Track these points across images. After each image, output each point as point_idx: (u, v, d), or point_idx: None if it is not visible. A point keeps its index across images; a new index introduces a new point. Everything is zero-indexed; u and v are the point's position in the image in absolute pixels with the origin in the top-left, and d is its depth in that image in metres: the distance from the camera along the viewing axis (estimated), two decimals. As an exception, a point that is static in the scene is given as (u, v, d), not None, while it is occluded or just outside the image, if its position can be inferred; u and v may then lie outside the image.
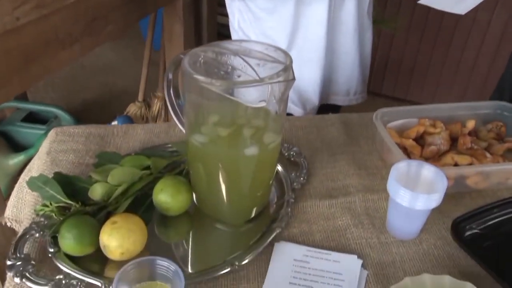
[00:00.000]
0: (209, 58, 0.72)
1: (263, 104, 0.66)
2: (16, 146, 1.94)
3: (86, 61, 2.82)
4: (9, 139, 1.95)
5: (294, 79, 0.66)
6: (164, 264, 0.61)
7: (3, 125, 1.97)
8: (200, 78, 0.64)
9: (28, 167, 0.98)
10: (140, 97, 2.20)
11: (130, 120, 2.08)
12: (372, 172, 0.91)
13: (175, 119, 0.79)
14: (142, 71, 2.15)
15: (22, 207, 0.91)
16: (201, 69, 0.70)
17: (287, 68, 0.67)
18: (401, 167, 0.75)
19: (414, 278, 0.66)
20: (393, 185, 0.73)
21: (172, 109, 0.79)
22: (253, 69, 0.65)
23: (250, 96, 0.66)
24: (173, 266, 0.61)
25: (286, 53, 0.71)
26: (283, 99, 0.69)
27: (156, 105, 2.14)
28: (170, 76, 0.76)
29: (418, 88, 2.54)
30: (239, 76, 0.69)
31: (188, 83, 0.68)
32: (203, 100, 0.69)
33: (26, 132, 1.95)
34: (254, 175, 0.75)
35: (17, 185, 0.95)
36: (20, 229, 0.92)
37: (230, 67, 0.70)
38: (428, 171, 0.75)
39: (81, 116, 2.15)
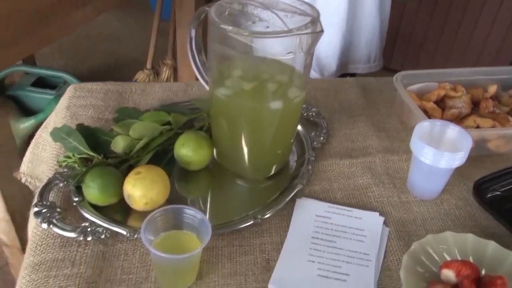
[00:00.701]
0: (236, 10, 0.70)
1: (290, 56, 0.65)
2: (26, 111, 1.93)
3: (91, 30, 2.79)
4: (19, 103, 1.95)
5: (322, 31, 0.65)
6: (190, 213, 0.61)
7: (13, 89, 1.96)
8: (228, 27, 0.64)
9: (44, 123, 0.98)
10: (149, 65, 2.18)
11: (139, 87, 2.07)
12: (391, 134, 0.91)
13: (197, 74, 0.78)
14: (150, 39, 2.13)
15: (38, 163, 0.92)
16: (228, 20, 0.69)
17: (315, 20, 0.66)
18: (424, 126, 0.75)
19: (437, 236, 0.67)
20: (416, 143, 0.72)
21: (195, 65, 0.78)
22: (281, 19, 0.64)
23: (278, 48, 0.65)
24: (199, 215, 0.61)
25: (312, 7, 0.70)
26: (310, 53, 0.68)
27: (165, 73, 2.13)
28: (193, 31, 0.75)
29: (427, 64, 2.52)
30: (267, 27, 0.68)
31: (214, 33, 0.67)
32: (230, 52, 0.68)
33: (35, 97, 1.94)
34: (276, 131, 0.75)
35: (33, 141, 0.95)
36: (35, 184, 0.92)
37: (257, 18, 0.69)
38: (453, 130, 0.75)
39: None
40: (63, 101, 0.93)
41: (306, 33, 0.64)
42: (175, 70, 2.12)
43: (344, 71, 1.25)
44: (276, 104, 0.71)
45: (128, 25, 2.90)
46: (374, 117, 0.95)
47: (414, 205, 0.76)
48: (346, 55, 1.20)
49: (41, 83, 2.00)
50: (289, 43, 0.65)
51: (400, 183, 0.80)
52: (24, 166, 0.95)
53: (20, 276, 0.62)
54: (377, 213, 0.74)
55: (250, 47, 0.64)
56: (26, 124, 1.84)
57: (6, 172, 1.13)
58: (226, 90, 0.72)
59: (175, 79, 2.13)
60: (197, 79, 0.80)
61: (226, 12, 0.70)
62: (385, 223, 0.73)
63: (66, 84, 1.97)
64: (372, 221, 0.73)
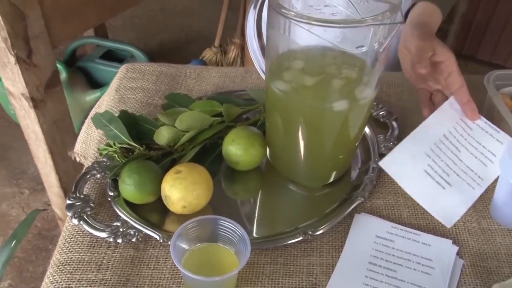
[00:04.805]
0: (300, -8, 0.61)
1: (362, 50, 0.54)
2: (94, 83, 1.94)
3: (166, 4, 2.77)
4: (88, 75, 1.96)
5: (403, 22, 0.54)
6: (229, 227, 0.54)
7: (83, 61, 1.97)
8: (289, 12, 0.54)
9: (98, 103, 0.94)
10: (217, 43, 2.13)
11: (204, 65, 2.02)
12: (475, 144, 0.78)
13: (254, 62, 0.70)
14: (220, 16, 2.07)
15: (90, 143, 0.88)
16: (291, 3, 0.59)
17: (395, 8, 0.55)
18: (520, 142, 0.62)
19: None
20: (507, 162, 0.60)
21: (252, 50, 0.69)
22: (353, 6, 0.54)
23: (346, 40, 0.55)
24: (239, 231, 0.53)
25: (394, -8, 0.58)
26: (386, 47, 0.57)
27: (233, 52, 2.06)
28: (253, 11, 0.66)
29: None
30: (332, 14, 0.58)
31: (273, 18, 0.58)
32: (290, 41, 0.59)
33: (103, 69, 1.94)
34: (339, 134, 0.65)
35: (87, 121, 0.91)
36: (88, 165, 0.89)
37: (324, 3, 0.59)
38: (555, 150, 0.61)
39: (156, 57, 2.12)
40: (114, 82, 0.88)
41: (383, 24, 0.53)
42: (242, 49, 2.05)
43: None
44: (340, 105, 0.61)
45: (203, 0, 2.85)
46: (455, 121, 0.82)
47: (497, 235, 0.64)
48: None
49: (110, 56, 1.99)
50: (360, 35, 0.54)
51: (481, 206, 0.68)
52: (78, 146, 0.92)
53: (46, 274, 0.58)
54: (450, 241, 0.62)
55: (314, 36, 0.55)
56: (92, 96, 1.84)
57: (60, 149, 1.12)
58: (283, 85, 0.62)
59: (242, 59, 2.06)
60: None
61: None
62: (459, 254, 0.61)
63: (133, 58, 1.96)
64: (443, 250, 0.62)
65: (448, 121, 0.71)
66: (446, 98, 0.74)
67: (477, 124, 0.72)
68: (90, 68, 1.96)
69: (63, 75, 1.77)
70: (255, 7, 0.65)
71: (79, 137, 0.92)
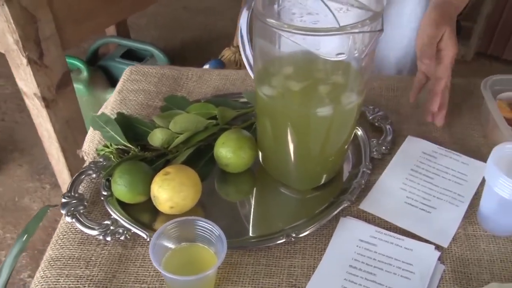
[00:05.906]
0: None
1: (342, 58, 0.55)
2: (114, 82, 1.98)
3: (189, 3, 2.81)
4: (109, 74, 2.00)
5: (381, 30, 0.55)
6: (207, 227, 0.56)
7: (104, 60, 2.02)
8: (270, 20, 0.55)
9: (105, 104, 0.97)
10: (235, 42, 2.14)
11: (222, 64, 2.04)
12: (470, 149, 0.77)
13: (246, 65, 0.71)
14: (239, 15, 2.08)
15: (97, 142, 0.91)
16: (276, 11, 0.61)
17: (376, 16, 0.56)
18: (506, 149, 0.62)
19: (504, 286, 0.55)
20: (492, 170, 0.60)
21: (244, 53, 0.70)
22: (332, 14, 0.55)
23: (327, 47, 0.56)
24: (217, 231, 0.55)
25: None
26: (368, 54, 0.58)
27: (250, 52, 2.07)
28: (248, 11, 0.67)
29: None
30: (315, 23, 0.59)
31: (258, 25, 0.59)
32: (274, 48, 0.60)
33: (123, 68, 1.96)
34: (326, 138, 0.66)
35: (93, 121, 0.94)
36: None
37: (305, 11, 0.60)
38: (542, 158, 0.61)
39: (178, 56, 2.15)
40: (119, 84, 0.91)
41: (361, 32, 0.54)
42: (260, 49, 2.06)
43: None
44: (325, 110, 0.62)
45: (226, -1, 2.87)
46: (453, 125, 0.82)
47: (482, 241, 0.64)
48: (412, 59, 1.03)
49: (131, 55, 2.04)
50: (339, 43, 0.55)
51: (468, 213, 0.68)
52: (86, 145, 0.95)
53: (38, 269, 0.61)
54: (433, 246, 0.63)
55: (296, 44, 0.56)
56: (111, 94, 1.89)
57: (73, 147, 1.16)
58: (270, 90, 0.64)
59: (260, 58, 2.07)
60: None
61: (276, 3, 0.62)
62: (440, 259, 0.62)
63: (152, 57, 2.00)
64: (425, 255, 0.62)
65: (411, 157, 0.75)
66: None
67: (439, 152, 0.76)
68: (110, 67, 2.01)
69: (84, 74, 1.82)
70: (248, 9, 0.67)
71: (86, 137, 0.95)
